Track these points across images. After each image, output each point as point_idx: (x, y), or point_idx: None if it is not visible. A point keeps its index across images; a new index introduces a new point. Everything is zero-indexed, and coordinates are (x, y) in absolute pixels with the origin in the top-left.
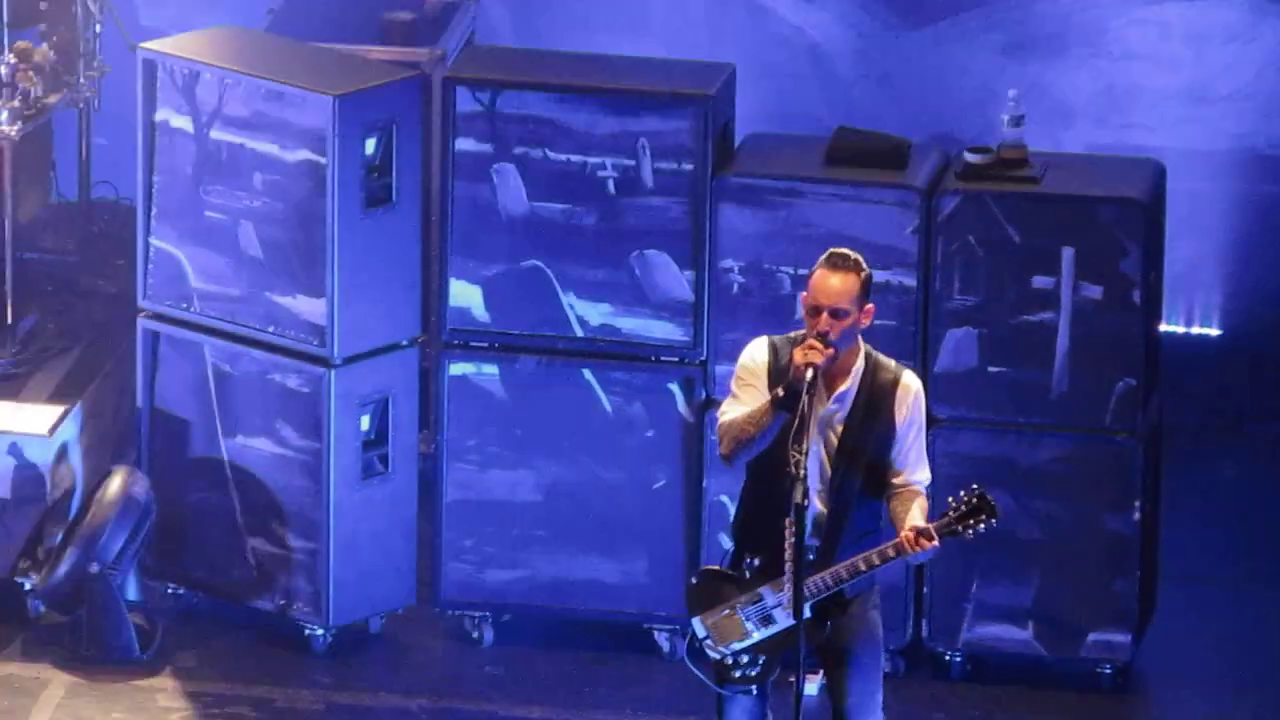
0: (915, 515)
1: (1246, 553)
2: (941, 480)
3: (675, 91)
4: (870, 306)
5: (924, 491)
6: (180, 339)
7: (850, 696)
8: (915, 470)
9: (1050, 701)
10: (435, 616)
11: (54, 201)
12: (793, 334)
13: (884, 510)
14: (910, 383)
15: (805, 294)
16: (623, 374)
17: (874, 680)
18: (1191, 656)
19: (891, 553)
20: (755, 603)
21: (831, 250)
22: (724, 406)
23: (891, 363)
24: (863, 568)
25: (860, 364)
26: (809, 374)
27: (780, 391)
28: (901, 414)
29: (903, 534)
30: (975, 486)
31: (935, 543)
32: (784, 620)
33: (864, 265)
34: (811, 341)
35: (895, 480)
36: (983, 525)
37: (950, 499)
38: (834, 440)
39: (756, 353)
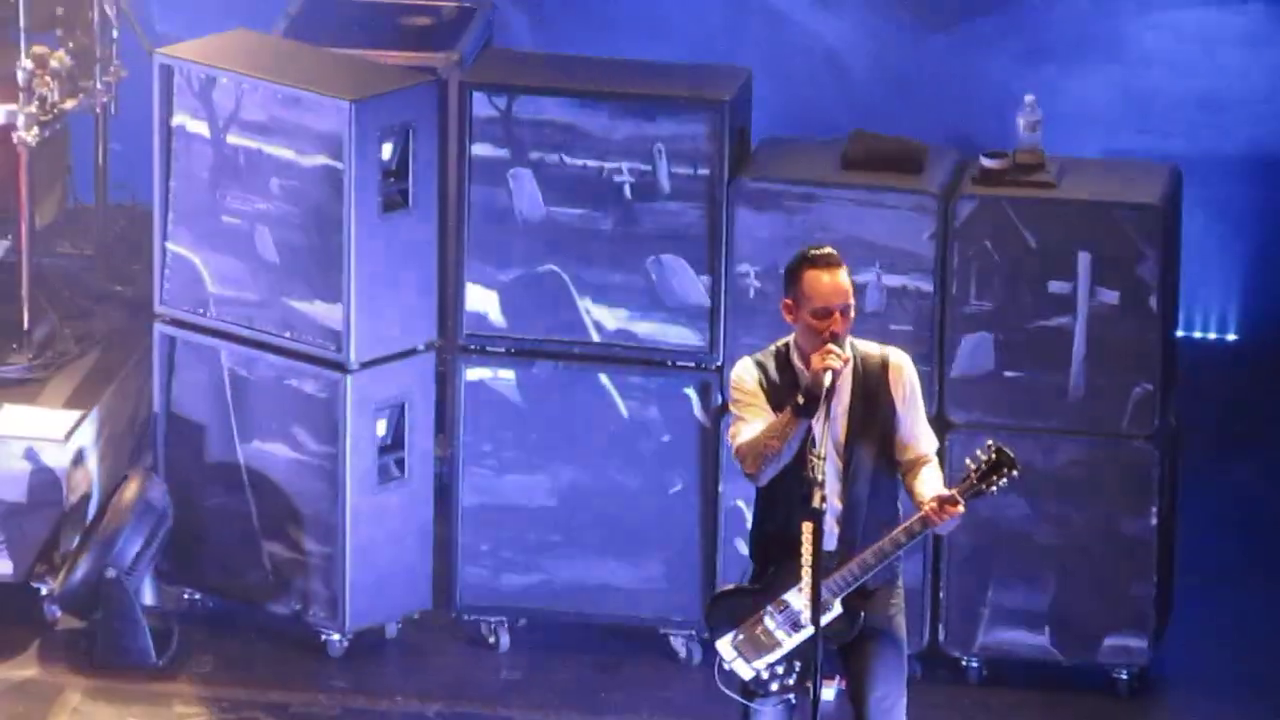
0: (933, 484)
1: (1264, 556)
2: (956, 483)
3: (692, 96)
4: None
5: (934, 458)
6: (197, 344)
7: (872, 702)
8: (921, 441)
9: (1067, 706)
10: (451, 621)
11: (71, 206)
12: (770, 347)
13: (899, 492)
14: (900, 361)
15: (797, 300)
16: (639, 379)
17: (897, 685)
18: (1210, 661)
19: (918, 527)
20: (783, 609)
21: (811, 251)
22: (734, 429)
23: (874, 345)
24: (889, 549)
25: (848, 353)
26: (828, 379)
27: (801, 400)
28: (899, 393)
29: (926, 506)
30: (990, 442)
31: (960, 508)
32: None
33: (841, 258)
34: (830, 347)
35: (905, 456)
36: (1005, 480)
37: (968, 460)
38: (841, 434)
39: (745, 374)
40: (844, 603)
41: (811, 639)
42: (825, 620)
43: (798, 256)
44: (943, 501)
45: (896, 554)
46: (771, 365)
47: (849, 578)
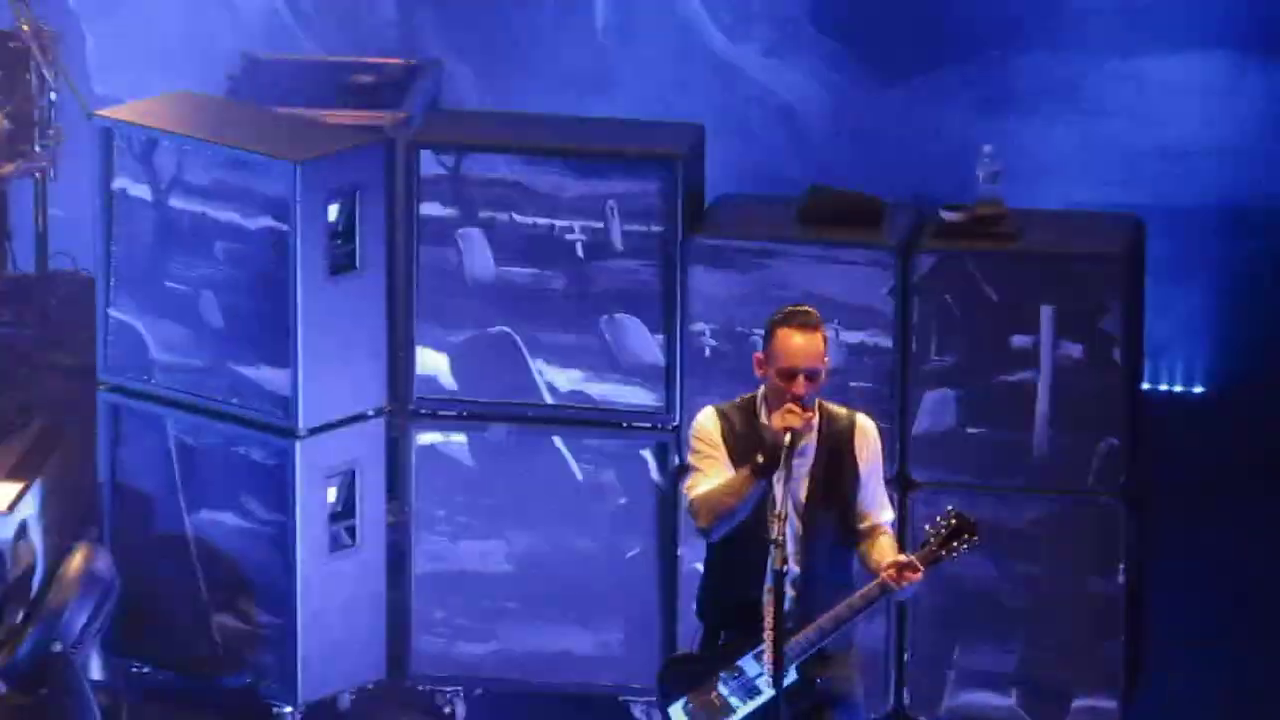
0: (888, 551)
1: (1237, 615)
2: (919, 545)
3: (643, 152)
4: (828, 360)
5: (890, 531)
6: (142, 412)
7: None
8: (880, 511)
9: None
10: (406, 691)
11: (10, 274)
12: (738, 400)
13: (853, 560)
14: (866, 425)
15: (768, 356)
16: (594, 441)
17: None
18: None
19: (876, 592)
20: (736, 676)
21: (789, 309)
22: (690, 481)
23: (842, 409)
24: (846, 615)
25: (814, 416)
26: (788, 439)
27: (760, 459)
28: (863, 458)
29: (884, 571)
30: (950, 508)
31: (919, 574)
32: (769, 689)
33: (822, 319)
34: (790, 406)
35: (862, 525)
36: (965, 546)
37: (927, 526)
38: (802, 496)
39: (708, 423)
40: (799, 669)
41: (769, 705)
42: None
43: (777, 312)
44: (901, 567)
45: (853, 620)
46: (737, 417)
47: (805, 644)
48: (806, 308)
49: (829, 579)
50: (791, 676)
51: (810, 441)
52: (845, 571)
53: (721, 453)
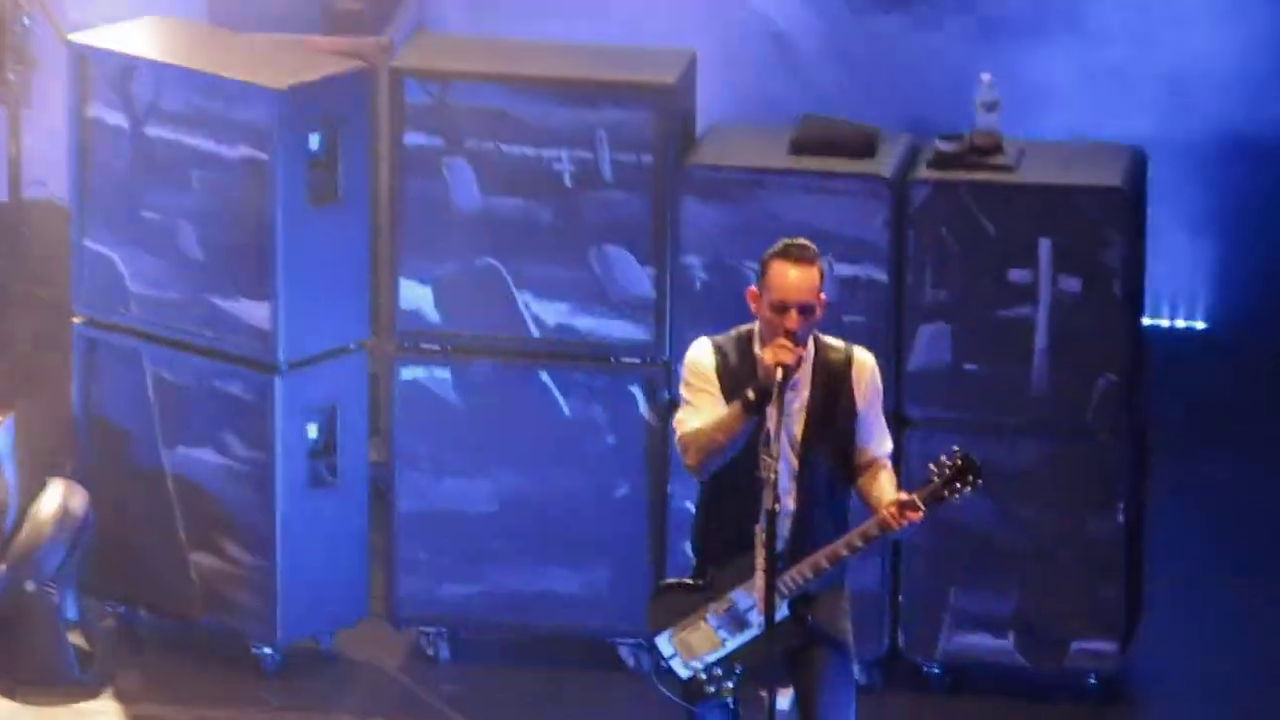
0: (889, 489)
1: (1238, 555)
2: (915, 485)
3: (634, 81)
4: (823, 296)
5: (889, 463)
6: (118, 346)
7: (821, 710)
8: (879, 445)
9: (1033, 715)
10: (389, 633)
11: None
12: (734, 332)
13: (851, 497)
14: (864, 359)
15: (762, 290)
16: (582, 376)
17: (846, 692)
18: (1182, 665)
19: (875, 531)
20: (726, 608)
21: (786, 242)
22: (680, 415)
23: (839, 342)
24: (844, 552)
25: (810, 350)
26: (780, 375)
27: (751, 394)
28: (860, 391)
29: (884, 509)
30: (956, 448)
31: (920, 513)
32: (759, 624)
33: (819, 254)
34: (781, 341)
35: (861, 460)
36: (969, 488)
37: (932, 464)
38: (798, 432)
39: (702, 356)
40: (790, 605)
41: (756, 642)
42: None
43: (774, 244)
44: (902, 506)
45: (851, 558)
46: (732, 351)
47: (799, 580)
48: (803, 241)
49: (826, 516)
50: (783, 612)
51: (804, 375)
52: (842, 509)
53: (714, 387)
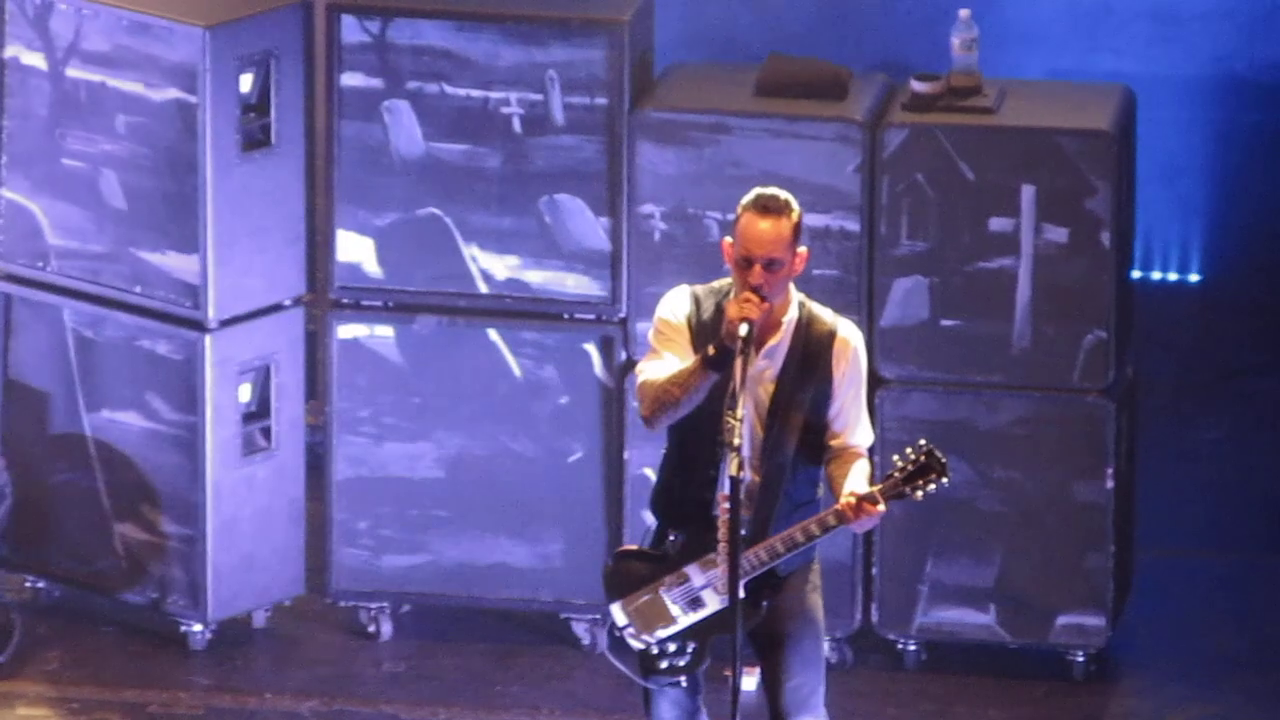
0: (856, 479)
1: (1231, 522)
2: (890, 448)
3: (587, 17)
4: (803, 251)
5: (866, 454)
6: (36, 302)
7: (788, 690)
8: (855, 431)
9: (1015, 693)
10: (327, 608)
11: None
12: (716, 283)
13: (822, 477)
14: (849, 335)
15: (730, 242)
16: (533, 334)
17: (815, 670)
18: (1173, 640)
19: (832, 521)
20: (681, 583)
21: (758, 191)
22: (642, 364)
23: (828, 313)
24: (801, 539)
25: (793, 314)
26: (743, 331)
27: (711, 350)
28: (839, 369)
29: (842, 500)
30: (923, 442)
31: (880, 508)
32: (715, 603)
33: (794, 205)
34: (746, 295)
35: (833, 442)
36: (932, 485)
37: (896, 457)
38: (765, 400)
39: (677, 304)
40: (748, 587)
41: (710, 619)
42: (725, 604)
43: (749, 194)
44: (861, 499)
45: (806, 546)
46: (710, 303)
47: (755, 562)
48: (776, 191)
49: (791, 495)
50: (741, 593)
51: (781, 341)
52: (810, 489)
53: (683, 337)
